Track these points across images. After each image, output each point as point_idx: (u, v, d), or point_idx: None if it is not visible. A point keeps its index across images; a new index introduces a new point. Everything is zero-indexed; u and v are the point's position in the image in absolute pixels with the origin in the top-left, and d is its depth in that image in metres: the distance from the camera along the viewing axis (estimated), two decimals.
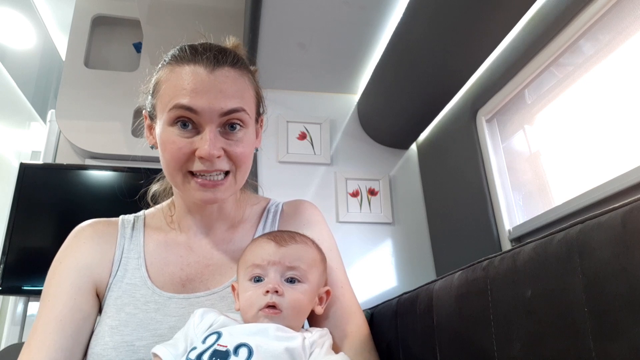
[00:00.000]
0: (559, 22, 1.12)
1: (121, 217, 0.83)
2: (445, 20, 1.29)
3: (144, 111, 0.80)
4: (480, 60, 1.39)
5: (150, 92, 0.76)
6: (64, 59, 2.31)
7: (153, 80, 0.76)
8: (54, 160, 2.13)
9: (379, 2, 1.49)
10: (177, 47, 0.75)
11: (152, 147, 0.79)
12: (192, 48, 0.73)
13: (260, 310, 0.63)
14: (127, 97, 2.14)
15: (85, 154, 2.10)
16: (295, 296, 0.64)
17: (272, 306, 0.63)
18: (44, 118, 2.51)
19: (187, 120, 0.69)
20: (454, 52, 1.38)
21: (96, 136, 2.08)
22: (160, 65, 0.77)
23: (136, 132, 2.09)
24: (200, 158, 0.68)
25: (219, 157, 0.69)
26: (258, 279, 0.66)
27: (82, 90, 2.16)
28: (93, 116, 2.12)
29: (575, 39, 1.11)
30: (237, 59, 0.74)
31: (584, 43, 1.12)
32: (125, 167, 1.97)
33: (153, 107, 0.75)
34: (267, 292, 0.63)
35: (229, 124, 0.70)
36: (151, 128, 0.78)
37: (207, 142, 0.67)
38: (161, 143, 0.72)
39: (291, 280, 0.66)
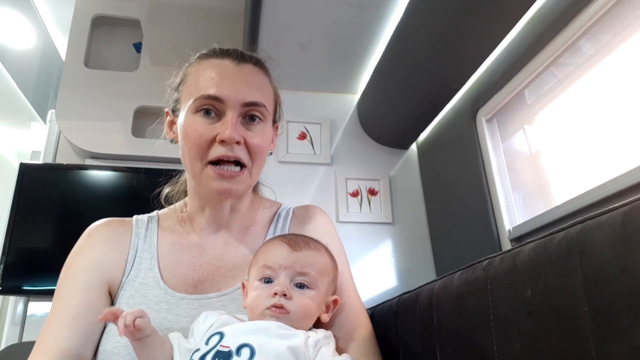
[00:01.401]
0: (559, 22, 1.12)
1: (135, 217, 0.84)
2: (445, 20, 1.29)
3: (166, 109, 0.82)
4: (480, 60, 1.39)
5: (176, 86, 0.80)
6: (64, 59, 2.30)
7: (180, 75, 0.80)
8: (54, 160, 2.12)
9: (379, 2, 1.49)
10: (205, 48, 0.81)
11: (171, 142, 0.81)
12: (220, 48, 0.79)
13: (267, 309, 0.63)
14: (127, 97, 2.14)
15: (85, 154, 2.10)
16: (303, 301, 0.65)
17: (279, 306, 0.63)
18: (44, 118, 2.51)
19: (210, 108, 0.72)
20: (454, 52, 1.38)
21: (96, 136, 2.08)
22: (187, 65, 0.81)
23: (136, 132, 2.09)
24: (222, 142, 0.70)
25: (238, 142, 0.71)
26: (268, 280, 0.66)
27: (82, 90, 2.16)
28: (93, 116, 2.11)
29: (575, 39, 1.11)
30: (261, 62, 0.80)
31: (584, 43, 1.12)
32: (125, 167, 1.97)
33: (177, 100, 0.78)
34: (276, 294, 0.64)
35: (249, 115, 0.74)
36: (172, 124, 0.80)
37: (229, 126, 0.70)
38: (183, 131, 0.74)
39: (300, 286, 0.66)
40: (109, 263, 0.76)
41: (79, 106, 2.12)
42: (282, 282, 0.65)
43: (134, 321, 0.58)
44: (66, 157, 2.12)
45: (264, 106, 0.75)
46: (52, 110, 2.17)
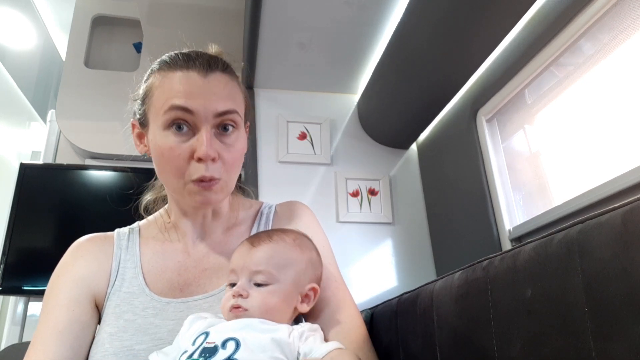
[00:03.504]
0: (559, 22, 1.12)
1: (116, 230, 0.85)
2: (445, 20, 1.29)
3: (132, 120, 0.80)
4: (480, 60, 1.39)
5: (141, 99, 0.78)
6: (64, 59, 2.31)
7: (144, 87, 0.77)
8: (54, 160, 2.13)
9: (379, 2, 1.49)
10: (167, 55, 0.77)
11: (144, 156, 0.79)
12: (184, 55, 0.75)
13: (229, 310, 0.65)
14: (127, 97, 2.14)
15: (85, 154, 2.11)
16: (260, 297, 0.65)
17: (236, 307, 0.65)
18: (44, 118, 2.51)
19: (182, 122, 0.70)
20: (454, 52, 1.38)
21: (96, 136, 2.08)
22: (149, 73, 0.78)
23: None
24: (199, 159, 0.69)
25: (213, 159, 0.70)
26: (233, 284, 0.68)
27: (82, 90, 2.16)
28: (93, 116, 2.12)
29: (575, 38, 1.11)
30: (227, 65, 0.77)
31: (584, 43, 1.12)
32: (125, 167, 1.97)
33: (144, 113, 0.76)
34: (233, 295, 0.65)
35: (222, 126, 0.73)
36: (141, 137, 0.78)
37: (204, 142, 0.69)
38: (157, 149, 0.72)
39: (259, 284, 0.67)
40: (93, 276, 0.77)
41: (79, 106, 2.12)
42: (240, 283, 0.67)
43: None
44: (66, 157, 2.13)
45: (237, 112, 0.74)
46: (52, 110, 2.18)
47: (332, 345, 0.63)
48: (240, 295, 0.65)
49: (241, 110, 0.76)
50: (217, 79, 0.73)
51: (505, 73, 1.33)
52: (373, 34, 1.64)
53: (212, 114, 0.71)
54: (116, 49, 2.40)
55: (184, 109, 0.69)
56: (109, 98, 2.15)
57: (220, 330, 0.62)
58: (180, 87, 0.71)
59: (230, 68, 0.78)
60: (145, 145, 0.77)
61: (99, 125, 2.10)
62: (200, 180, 0.70)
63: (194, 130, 0.71)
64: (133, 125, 0.80)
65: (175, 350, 0.64)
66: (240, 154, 0.76)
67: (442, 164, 1.76)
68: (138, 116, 0.78)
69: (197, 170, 0.70)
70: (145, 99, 0.76)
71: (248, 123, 0.84)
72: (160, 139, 0.71)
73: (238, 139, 0.75)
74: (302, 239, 0.74)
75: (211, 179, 0.71)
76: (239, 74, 0.81)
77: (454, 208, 1.66)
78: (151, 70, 0.78)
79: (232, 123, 0.74)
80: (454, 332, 0.66)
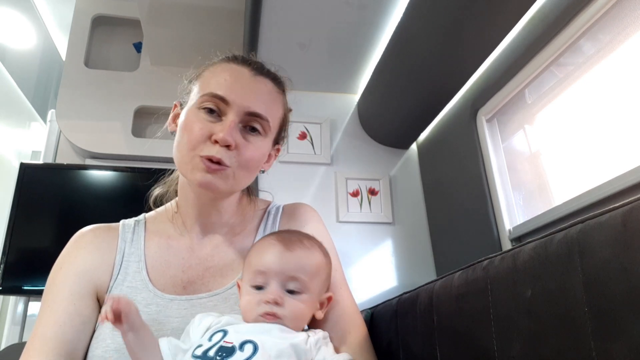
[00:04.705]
0: (559, 22, 1.12)
1: (122, 221, 0.84)
2: (445, 20, 1.29)
3: (175, 101, 0.83)
4: (480, 60, 1.39)
5: (190, 79, 0.81)
6: (64, 59, 2.31)
7: (198, 70, 0.81)
8: (54, 160, 2.12)
9: (379, 2, 1.49)
10: (231, 53, 0.82)
11: (172, 133, 0.81)
12: (243, 56, 0.81)
13: (260, 315, 0.64)
14: (127, 97, 2.14)
15: (85, 154, 2.10)
16: (295, 306, 0.65)
17: (271, 314, 0.64)
18: (44, 118, 2.51)
19: (214, 108, 0.73)
20: (454, 52, 1.38)
21: (96, 136, 2.08)
22: (207, 62, 0.82)
23: (136, 132, 2.09)
24: (215, 142, 0.70)
25: (230, 146, 0.71)
26: (260, 287, 0.66)
27: (82, 90, 2.16)
28: (93, 116, 2.11)
29: (575, 38, 1.11)
30: (279, 80, 0.81)
31: (584, 43, 1.12)
32: (125, 167, 1.97)
33: (188, 92, 0.79)
34: (267, 302, 0.64)
35: (249, 126, 0.74)
36: (177, 117, 0.80)
37: (227, 128, 0.71)
38: (183, 122, 0.75)
39: (292, 291, 0.66)
40: (96, 269, 0.76)
41: (79, 106, 2.12)
42: (273, 289, 0.65)
43: (118, 304, 0.58)
44: (66, 157, 2.12)
45: (267, 120, 0.75)
46: (52, 110, 2.17)
47: (343, 358, 0.64)
48: (276, 303, 0.64)
49: (274, 122, 0.78)
50: (264, 83, 0.77)
51: (505, 73, 1.33)
52: (373, 34, 1.64)
53: (244, 110, 0.73)
54: (116, 49, 2.39)
55: (222, 99, 0.72)
56: (109, 98, 2.15)
57: (239, 331, 0.61)
58: (228, 77, 0.75)
59: (281, 84, 0.81)
60: (177, 125, 0.78)
61: (99, 125, 2.10)
62: (208, 160, 0.70)
63: (222, 117, 0.73)
64: (175, 105, 0.82)
65: (187, 344, 0.64)
66: (258, 157, 0.76)
67: (442, 164, 1.76)
68: (183, 97, 0.81)
69: (209, 149, 0.70)
70: (194, 79, 0.80)
71: (279, 147, 0.85)
72: (189, 114, 0.74)
73: (260, 144, 0.75)
74: (323, 247, 0.74)
75: (219, 162, 0.70)
76: None
77: (454, 208, 1.66)
78: (211, 61, 0.81)
79: (259, 127, 0.75)
80: (454, 331, 0.66)
